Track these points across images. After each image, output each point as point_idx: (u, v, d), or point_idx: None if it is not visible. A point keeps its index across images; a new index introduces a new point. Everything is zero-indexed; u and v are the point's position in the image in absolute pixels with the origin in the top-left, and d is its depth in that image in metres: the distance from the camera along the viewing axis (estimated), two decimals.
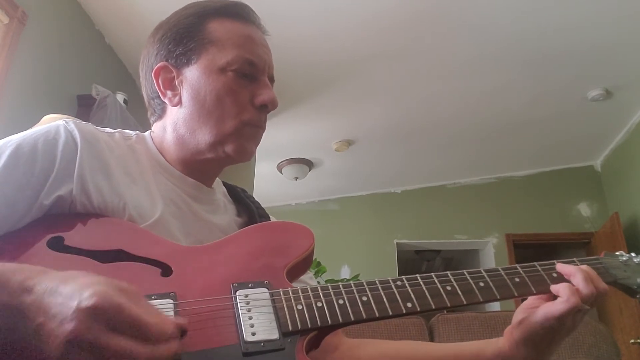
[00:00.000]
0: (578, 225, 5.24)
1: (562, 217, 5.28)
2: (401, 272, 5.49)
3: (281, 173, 5.12)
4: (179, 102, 0.86)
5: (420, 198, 5.63)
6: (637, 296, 0.83)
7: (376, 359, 0.90)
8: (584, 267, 0.79)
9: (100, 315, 0.50)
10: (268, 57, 0.89)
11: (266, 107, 0.87)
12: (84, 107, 2.87)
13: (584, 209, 5.31)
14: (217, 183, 0.97)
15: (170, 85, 0.87)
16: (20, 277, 0.55)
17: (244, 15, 0.89)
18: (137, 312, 0.52)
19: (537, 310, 0.77)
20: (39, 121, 2.08)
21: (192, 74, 0.85)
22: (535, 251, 5.66)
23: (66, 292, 0.52)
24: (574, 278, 0.77)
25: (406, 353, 0.90)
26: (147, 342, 0.52)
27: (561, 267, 0.80)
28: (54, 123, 0.78)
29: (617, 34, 3.38)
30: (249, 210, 0.97)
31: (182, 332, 0.57)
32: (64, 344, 0.49)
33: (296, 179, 5.11)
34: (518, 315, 0.82)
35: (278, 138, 4.38)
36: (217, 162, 0.88)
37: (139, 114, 3.23)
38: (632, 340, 4.03)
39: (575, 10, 3.16)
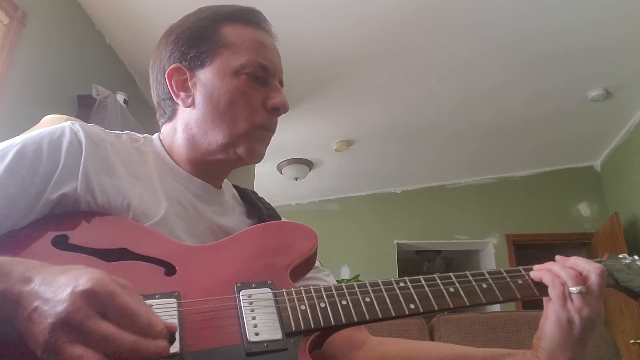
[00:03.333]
0: (578, 225, 5.24)
1: (562, 217, 5.29)
2: (401, 272, 5.49)
3: (281, 173, 5.12)
4: (192, 104, 0.87)
5: (420, 198, 5.63)
6: None
7: (408, 355, 0.89)
8: (559, 258, 0.81)
9: (92, 299, 0.51)
10: (279, 62, 0.91)
11: (278, 110, 0.89)
12: (84, 107, 2.87)
13: (584, 209, 5.31)
14: (227, 185, 0.99)
15: (183, 86, 0.88)
16: (21, 269, 0.56)
17: (256, 21, 0.91)
18: (128, 301, 0.53)
19: (547, 315, 0.77)
20: (39, 121, 2.08)
21: (205, 76, 0.87)
22: (535, 251, 5.66)
23: (63, 280, 0.53)
24: (555, 271, 0.78)
25: (436, 354, 0.89)
26: (135, 333, 0.52)
27: (537, 267, 0.81)
28: (60, 124, 0.79)
29: (617, 34, 3.38)
30: (258, 211, 0.98)
31: (171, 335, 0.55)
32: (51, 324, 0.50)
33: (296, 179, 5.11)
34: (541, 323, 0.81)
35: (278, 138, 4.33)
36: (227, 163, 0.90)
37: (139, 114, 3.23)
38: (632, 341, 4.03)
39: (575, 10, 3.15)
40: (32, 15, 2.57)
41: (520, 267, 0.80)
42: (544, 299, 0.79)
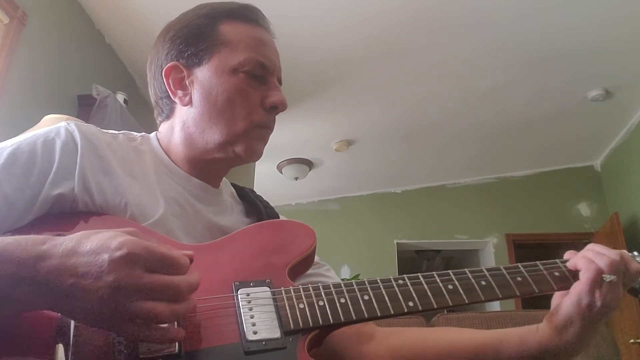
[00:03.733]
0: (578, 225, 5.24)
1: (562, 217, 5.28)
2: (401, 271, 5.48)
3: (281, 173, 5.12)
4: (190, 102, 0.87)
5: (420, 198, 5.63)
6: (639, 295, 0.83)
7: (416, 345, 0.88)
8: (590, 246, 0.81)
9: (134, 260, 0.54)
10: (277, 60, 0.90)
11: (276, 109, 0.88)
12: (84, 107, 2.87)
13: (584, 209, 5.30)
14: (225, 184, 0.98)
15: (181, 84, 0.87)
16: (27, 246, 0.56)
17: (255, 18, 0.90)
18: (161, 249, 0.57)
19: (569, 292, 0.78)
20: (39, 121, 2.08)
21: (203, 74, 0.86)
22: (535, 251, 5.64)
23: (88, 250, 0.55)
24: (590, 257, 0.79)
25: (445, 345, 0.87)
26: (179, 273, 0.58)
27: (571, 262, 0.81)
28: (55, 125, 0.79)
29: (617, 34, 3.38)
30: (257, 210, 0.97)
31: (191, 260, 0.61)
32: (108, 295, 0.53)
33: (296, 179, 5.11)
34: (555, 300, 0.82)
35: (278, 138, 4.37)
36: (225, 162, 0.89)
37: (139, 114, 3.23)
38: (632, 340, 4.03)
39: (575, 10, 3.15)
40: (32, 15, 2.57)
41: (518, 264, 0.80)
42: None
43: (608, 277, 0.75)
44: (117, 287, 0.53)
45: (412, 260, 6.44)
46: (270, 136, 0.92)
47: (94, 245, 0.55)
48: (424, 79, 3.88)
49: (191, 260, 0.61)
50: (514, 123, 4.50)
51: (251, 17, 0.90)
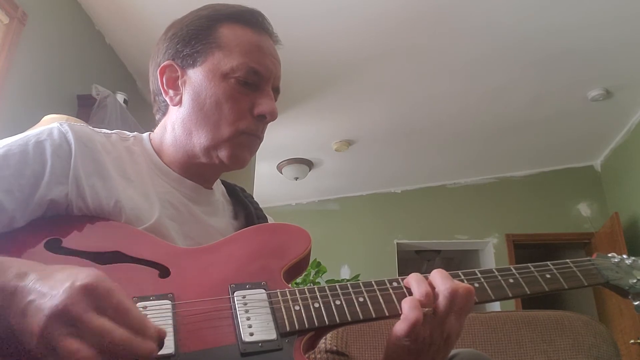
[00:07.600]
0: (578, 225, 5.24)
1: (562, 217, 5.28)
2: (401, 272, 5.48)
3: (281, 173, 5.12)
4: (179, 102, 0.87)
5: (420, 198, 5.63)
6: (629, 297, 0.84)
7: None
8: (434, 271, 0.72)
9: (90, 293, 0.51)
10: (275, 68, 0.89)
11: (264, 118, 0.86)
12: (84, 107, 2.87)
13: (584, 209, 5.30)
14: (216, 182, 0.97)
15: (174, 84, 0.87)
16: (18, 264, 0.56)
17: (257, 23, 0.89)
18: (124, 298, 0.53)
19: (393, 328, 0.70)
20: (39, 121, 2.09)
21: (195, 76, 0.85)
22: (536, 251, 5.65)
23: (60, 277, 0.52)
24: (411, 285, 0.72)
25: None
26: (128, 330, 0.51)
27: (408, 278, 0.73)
28: (48, 125, 0.78)
29: (617, 34, 3.38)
30: (247, 211, 0.97)
31: (160, 340, 0.55)
32: (47, 316, 0.49)
33: (296, 179, 5.11)
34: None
35: (278, 138, 4.38)
36: (210, 167, 0.88)
37: (139, 114, 3.23)
38: (632, 341, 4.03)
39: (576, 10, 3.15)
40: (32, 15, 2.58)
41: (511, 266, 0.80)
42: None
43: (428, 311, 0.68)
44: (59, 311, 0.49)
45: (412, 260, 6.43)
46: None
47: (67, 274, 0.53)
48: (424, 80, 3.88)
49: (161, 342, 0.55)
50: (515, 123, 4.50)
51: (253, 21, 0.89)
